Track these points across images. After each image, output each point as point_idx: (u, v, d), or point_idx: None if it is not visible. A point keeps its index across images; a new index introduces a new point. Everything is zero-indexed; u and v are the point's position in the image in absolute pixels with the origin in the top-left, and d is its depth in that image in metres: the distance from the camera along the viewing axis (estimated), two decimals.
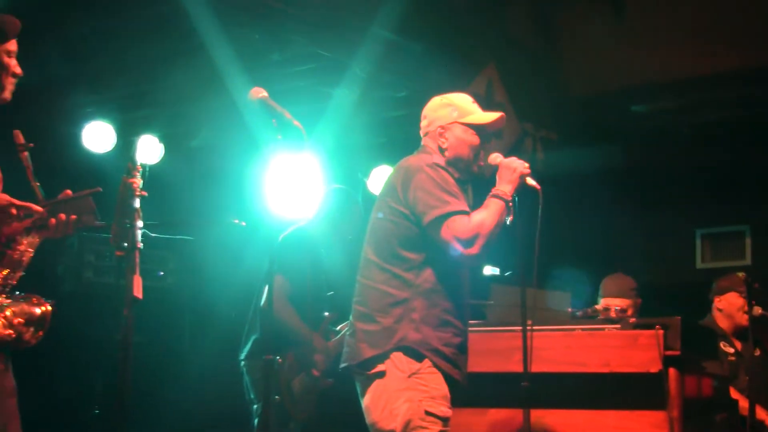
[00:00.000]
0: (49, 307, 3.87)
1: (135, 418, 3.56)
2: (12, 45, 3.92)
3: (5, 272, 3.82)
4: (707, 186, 8.57)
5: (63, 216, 3.80)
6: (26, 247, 3.84)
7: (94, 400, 7.09)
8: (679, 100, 8.32)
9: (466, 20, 7.72)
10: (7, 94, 3.93)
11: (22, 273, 3.86)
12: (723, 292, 6.52)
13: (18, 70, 3.94)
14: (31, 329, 3.82)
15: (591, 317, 5.32)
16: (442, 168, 4.18)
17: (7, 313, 3.75)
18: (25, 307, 3.81)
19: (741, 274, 6.39)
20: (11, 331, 3.74)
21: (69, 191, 3.85)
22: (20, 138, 3.83)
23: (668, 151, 8.50)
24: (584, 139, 8.40)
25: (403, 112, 7.82)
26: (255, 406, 6.04)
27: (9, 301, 3.78)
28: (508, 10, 8.25)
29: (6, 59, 3.90)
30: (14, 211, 3.69)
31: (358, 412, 4.19)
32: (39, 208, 3.76)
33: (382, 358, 4.05)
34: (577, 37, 8.41)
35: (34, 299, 3.87)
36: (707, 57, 7.79)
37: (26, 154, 3.84)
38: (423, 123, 4.43)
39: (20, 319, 3.77)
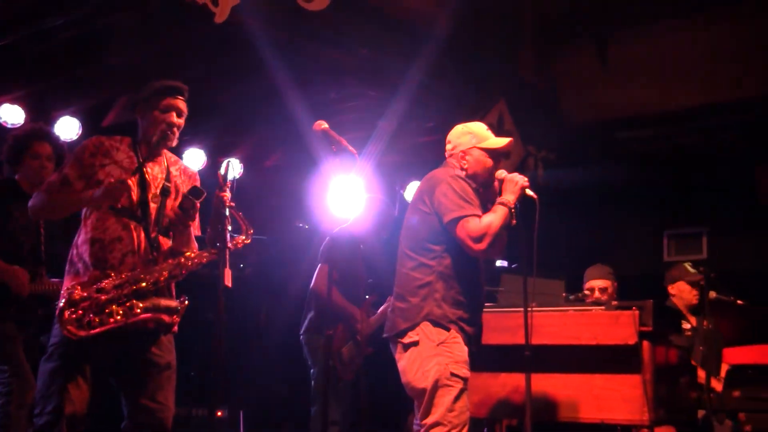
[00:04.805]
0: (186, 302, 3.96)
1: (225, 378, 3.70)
2: (168, 101, 3.96)
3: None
4: (673, 196, 8.60)
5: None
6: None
7: (191, 365, 7.22)
8: (653, 129, 8.33)
9: (483, 64, 7.77)
10: (164, 140, 3.99)
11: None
12: (674, 281, 6.48)
13: (176, 121, 3.99)
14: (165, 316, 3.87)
15: (581, 300, 5.43)
16: (462, 179, 4.21)
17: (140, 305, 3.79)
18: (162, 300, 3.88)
19: (687, 265, 6.42)
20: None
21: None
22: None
23: (644, 169, 8.49)
24: (577, 159, 8.42)
25: (431, 138, 7.86)
26: (312, 371, 6.10)
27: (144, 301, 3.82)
28: (518, 54, 8.29)
29: (159, 115, 3.95)
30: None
31: (395, 375, 4.24)
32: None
33: (413, 327, 4.12)
34: (571, 75, 8.38)
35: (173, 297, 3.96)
36: (675, 95, 7.79)
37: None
38: (448, 146, 4.45)
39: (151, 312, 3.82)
